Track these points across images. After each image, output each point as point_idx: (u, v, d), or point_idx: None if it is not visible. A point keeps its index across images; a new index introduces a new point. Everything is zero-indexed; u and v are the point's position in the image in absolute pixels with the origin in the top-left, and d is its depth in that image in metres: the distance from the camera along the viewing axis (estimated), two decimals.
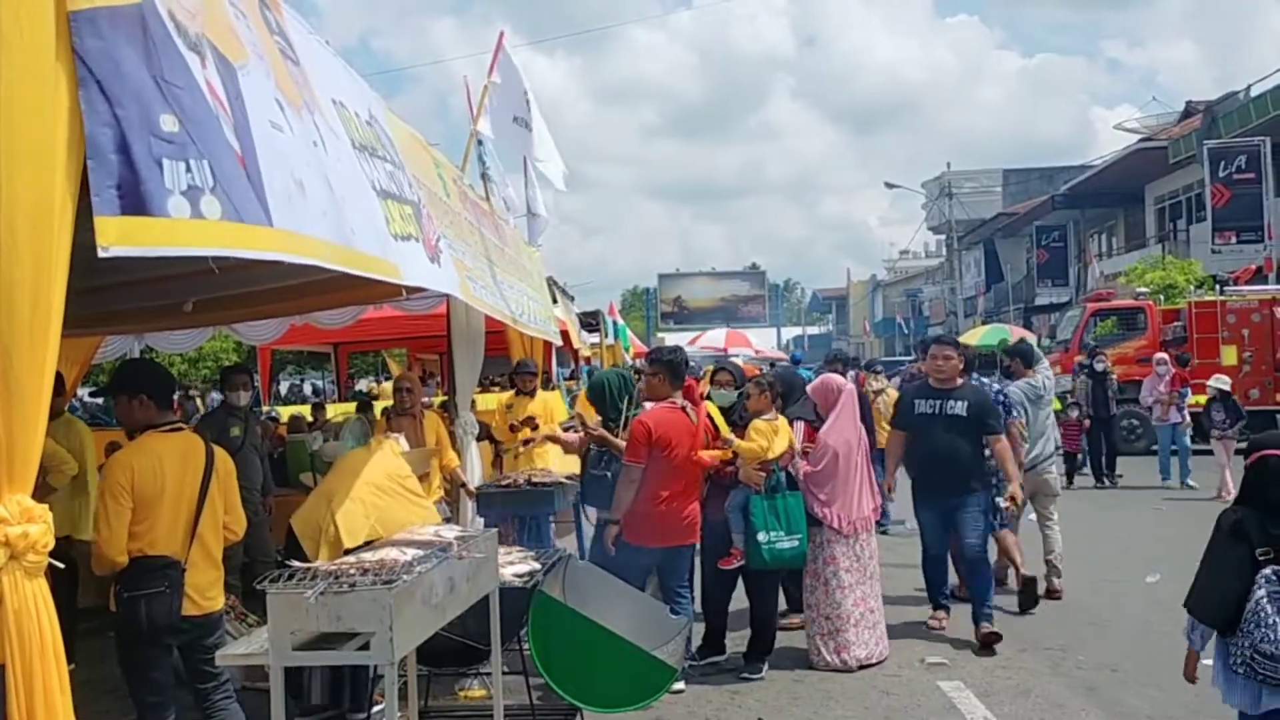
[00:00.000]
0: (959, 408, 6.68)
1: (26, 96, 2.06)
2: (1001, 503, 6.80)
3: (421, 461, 6.21)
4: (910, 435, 6.95)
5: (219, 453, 4.23)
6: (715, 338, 30.37)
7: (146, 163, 2.17)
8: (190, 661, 4.10)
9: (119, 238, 2.11)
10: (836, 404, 6.47)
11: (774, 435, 5.94)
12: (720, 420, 6.03)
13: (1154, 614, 6.95)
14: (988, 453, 6.80)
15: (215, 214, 2.32)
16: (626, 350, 24.12)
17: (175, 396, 4.27)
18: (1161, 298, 21.09)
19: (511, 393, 9.22)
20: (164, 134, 2.23)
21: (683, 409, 5.85)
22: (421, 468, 5.99)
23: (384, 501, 4.98)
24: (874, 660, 6.20)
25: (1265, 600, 3.38)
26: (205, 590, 4.05)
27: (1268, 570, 3.43)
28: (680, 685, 5.49)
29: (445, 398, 8.68)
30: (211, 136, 2.39)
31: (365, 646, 3.15)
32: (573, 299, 19.02)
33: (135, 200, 2.14)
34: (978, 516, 6.65)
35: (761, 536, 5.87)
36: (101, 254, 2.09)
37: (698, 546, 6.08)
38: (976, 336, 27.52)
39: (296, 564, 3.33)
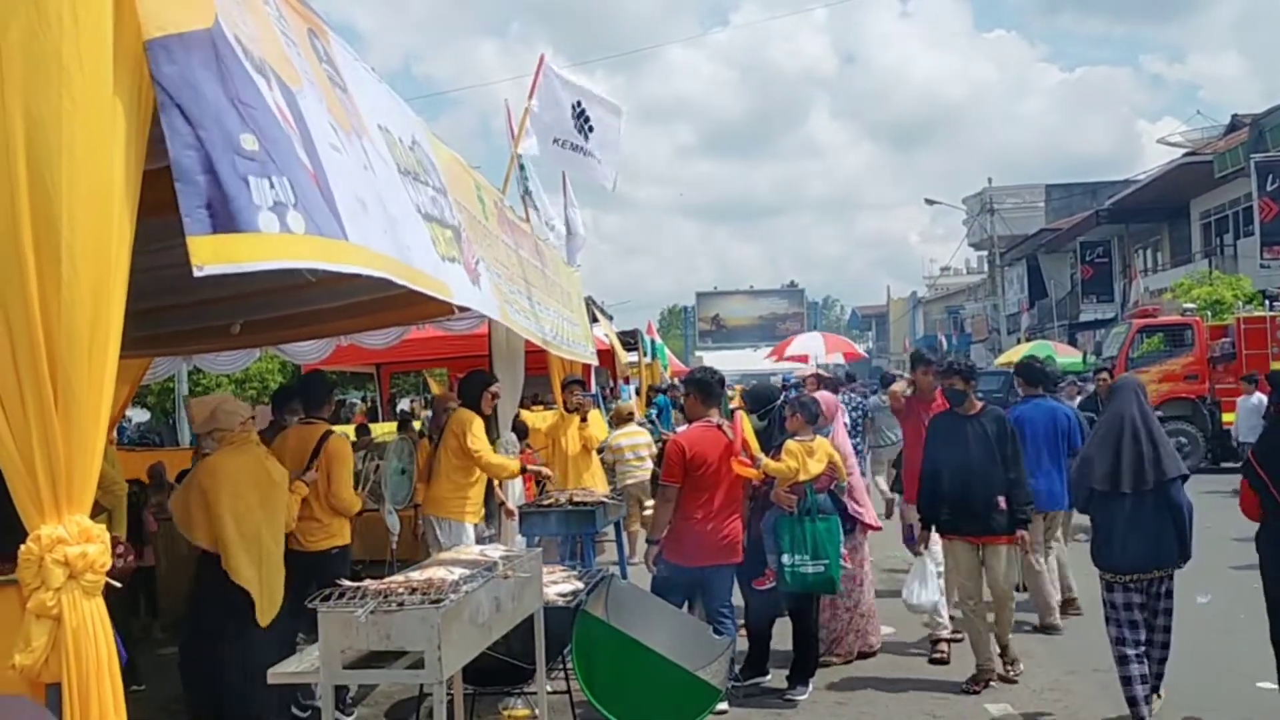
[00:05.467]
0: None
1: (88, 129, 2.10)
2: None
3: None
4: None
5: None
6: (811, 344, 23.12)
7: (233, 181, 2.19)
8: None
9: (213, 256, 2.13)
10: None
11: (807, 456, 5.90)
12: (751, 435, 5.98)
13: (1204, 635, 6.79)
14: None
15: (300, 228, 2.36)
16: (665, 369, 24.06)
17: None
18: (1209, 313, 20.72)
19: (557, 411, 8.95)
20: (246, 152, 2.26)
21: (718, 426, 5.86)
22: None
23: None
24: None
25: None
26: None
27: None
28: (724, 706, 5.46)
29: None
30: (286, 155, 2.42)
31: (416, 665, 3.18)
32: (611, 318, 19.05)
33: (225, 218, 2.16)
34: None
35: (786, 559, 5.84)
36: (197, 273, 2.11)
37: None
38: (1020, 354, 27.25)
39: (346, 583, 3.37)
